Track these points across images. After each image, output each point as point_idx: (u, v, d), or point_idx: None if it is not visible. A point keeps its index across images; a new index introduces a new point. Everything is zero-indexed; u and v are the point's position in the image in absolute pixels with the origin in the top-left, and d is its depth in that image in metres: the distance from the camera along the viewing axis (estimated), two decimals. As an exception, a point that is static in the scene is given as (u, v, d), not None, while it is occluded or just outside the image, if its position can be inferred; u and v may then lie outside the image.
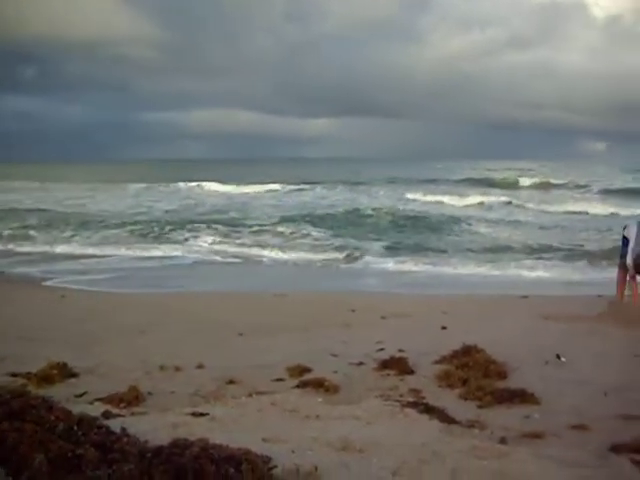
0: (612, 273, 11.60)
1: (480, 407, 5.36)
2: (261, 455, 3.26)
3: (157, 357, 6.98)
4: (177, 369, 6.56)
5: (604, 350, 7.57)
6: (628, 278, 9.85)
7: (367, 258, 18.30)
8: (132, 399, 5.39)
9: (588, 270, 16.64)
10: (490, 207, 32.40)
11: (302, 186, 47.28)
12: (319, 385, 5.68)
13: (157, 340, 8.16)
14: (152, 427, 4.15)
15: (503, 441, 4.47)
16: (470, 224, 25.64)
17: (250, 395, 5.50)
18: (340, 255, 19.00)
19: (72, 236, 22.54)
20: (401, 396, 5.49)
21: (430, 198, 36.52)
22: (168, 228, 23.95)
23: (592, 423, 4.96)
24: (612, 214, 28.06)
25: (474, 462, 3.89)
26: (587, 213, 29.82)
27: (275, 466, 3.29)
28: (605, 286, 12.14)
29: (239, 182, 49.15)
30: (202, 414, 4.76)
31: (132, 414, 4.94)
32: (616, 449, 4.29)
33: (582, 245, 20.34)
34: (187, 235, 22.75)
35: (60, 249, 20.09)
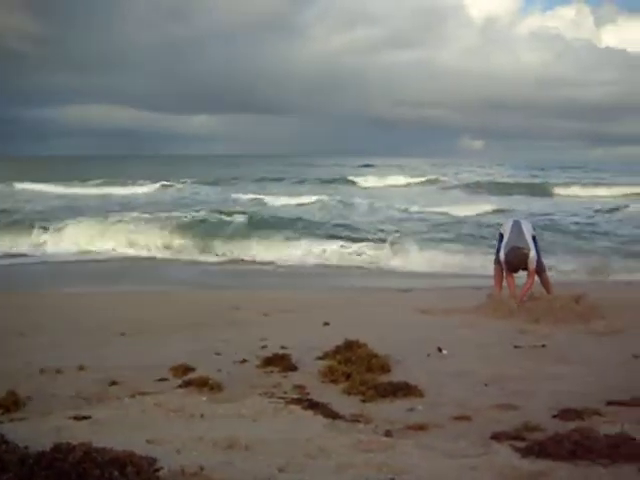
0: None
1: (364, 401, 5.46)
2: (146, 457, 3.23)
3: (37, 360, 6.77)
4: (58, 372, 6.38)
5: (484, 342, 7.84)
6: (505, 274, 10.19)
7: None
8: (10, 404, 5.20)
9: (465, 264, 17.17)
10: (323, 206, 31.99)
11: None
12: (203, 384, 5.64)
13: (36, 342, 7.91)
14: (33, 432, 4.05)
15: (388, 434, 4.56)
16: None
17: (133, 396, 5.42)
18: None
19: None
20: (285, 393, 5.54)
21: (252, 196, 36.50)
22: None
23: (474, 413, 5.13)
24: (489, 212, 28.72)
25: (360, 456, 3.97)
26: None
27: (161, 467, 3.27)
28: (482, 279, 12.58)
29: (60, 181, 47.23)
30: (84, 417, 4.68)
31: (11, 420, 4.79)
32: (497, 437, 4.44)
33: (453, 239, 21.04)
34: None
35: None
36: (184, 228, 21.69)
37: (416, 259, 17.53)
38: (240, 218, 23.27)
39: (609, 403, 5.31)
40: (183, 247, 19.89)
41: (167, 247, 19.98)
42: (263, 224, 22.69)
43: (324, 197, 33.99)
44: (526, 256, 9.88)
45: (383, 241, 19.07)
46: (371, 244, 19.09)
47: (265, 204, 32.85)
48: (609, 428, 4.42)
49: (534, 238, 10.25)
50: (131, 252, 19.48)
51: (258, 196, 35.95)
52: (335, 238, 20.24)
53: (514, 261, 9.92)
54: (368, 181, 50.23)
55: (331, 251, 18.50)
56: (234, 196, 37.15)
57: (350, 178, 52.06)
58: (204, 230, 21.68)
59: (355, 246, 19.03)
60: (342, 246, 19.12)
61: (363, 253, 18.34)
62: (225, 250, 19.48)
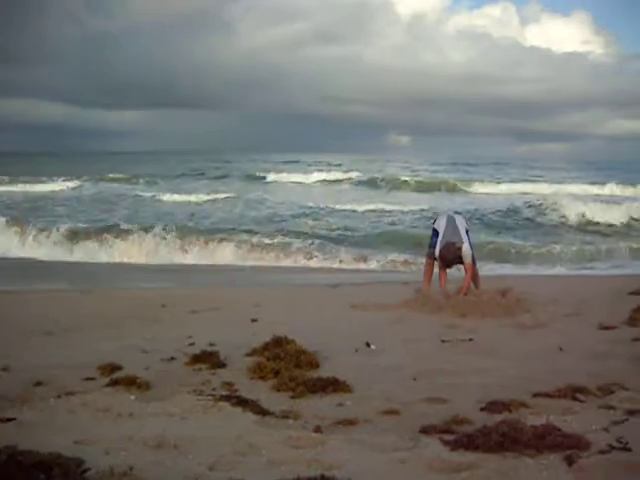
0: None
1: (293, 397, 5.48)
2: (73, 458, 3.20)
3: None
4: (-20, 372, 6.22)
5: (412, 337, 7.94)
6: (438, 269, 10.34)
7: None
8: None
9: (397, 259, 17.39)
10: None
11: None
12: (131, 383, 5.58)
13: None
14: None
15: (318, 430, 4.59)
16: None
17: (59, 396, 5.31)
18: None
19: None
20: (214, 390, 5.52)
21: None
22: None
23: (403, 407, 5.20)
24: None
25: (290, 452, 4.00)
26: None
27: (89, 469, 3.24)
28: (411, 274, 12.75)
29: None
30: (9, 419, 4.60)
31: None
32: (426, 431, 4.52)
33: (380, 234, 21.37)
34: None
35: None
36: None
37: (341, 256, 17.71)
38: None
39: (535, 395, 5.45)
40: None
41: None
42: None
43: (231, 194, 34.39)
44: (460, 250, 10.05)
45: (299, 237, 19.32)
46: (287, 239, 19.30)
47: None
48: (535, 419, 4.55)
49: (467, 232, 10.44)
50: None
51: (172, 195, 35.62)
52: (250, 234, 20.43)
53: (448, 256, 10.07)
54: (284, 178, 49.77)
55: (248, 248, 18.49)
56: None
57: (265, 175, 51.33)
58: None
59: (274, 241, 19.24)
60: (259, 241, 19.21)
61: (284, 249, 18.40)
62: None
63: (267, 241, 19.23)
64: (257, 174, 52.55)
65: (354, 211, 27.54)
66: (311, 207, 28.61)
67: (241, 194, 34.49)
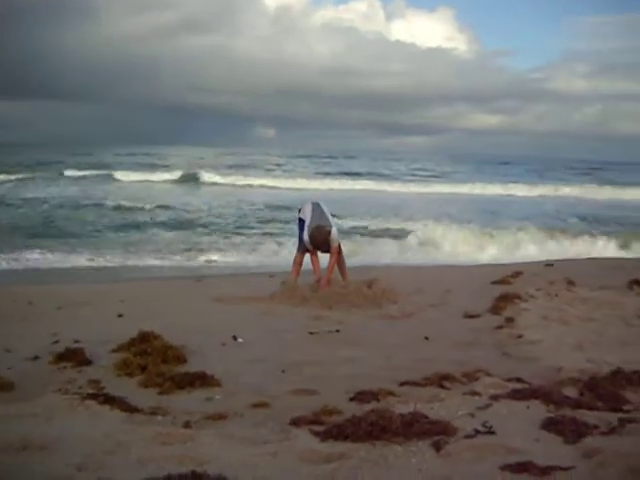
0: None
1: (161, 393, 5.49)
2: None
3: None
4: None
5: (279, 329, 8.05)
6: (310, 256, 10.46)
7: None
8: None
9: (259, 251, 17.46)
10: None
11: None
12: (-7, 383, 5.44)
13: None
14: None
15: (187, 425, 4.62)
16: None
17: None
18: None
19: None
20: (80, 388, 5.45)
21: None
22: None
23: (272, 400, 5.30)
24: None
25: (159, 449, 4.01)
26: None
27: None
28: (276, 267, 12.87)
29: None
30: None
31: None
32: (296, 423, 4.62)
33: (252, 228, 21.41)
34: None
35: None
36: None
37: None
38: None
39: (402, 384, 5.66)
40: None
41: None
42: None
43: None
44: (330, 234, 10.22)
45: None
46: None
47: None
48: (403, 407, 4.72)
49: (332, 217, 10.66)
50: None
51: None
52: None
53: (319, 238, 10.21)
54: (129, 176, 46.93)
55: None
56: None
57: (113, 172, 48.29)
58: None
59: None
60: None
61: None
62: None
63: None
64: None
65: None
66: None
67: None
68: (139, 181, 42.26)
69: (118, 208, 26.01)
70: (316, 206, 10.65)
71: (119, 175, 44.26)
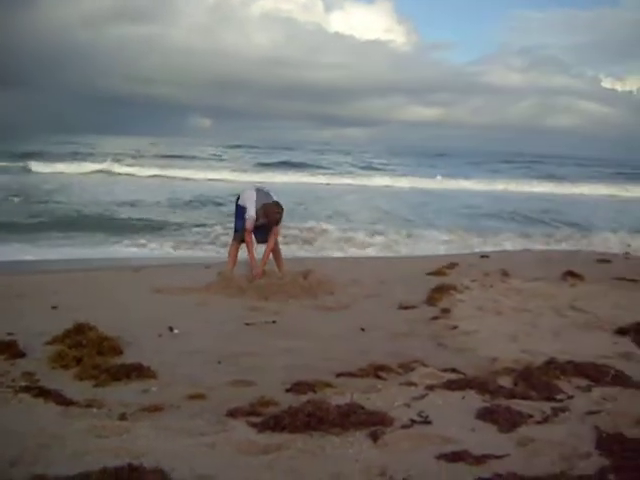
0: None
1: (97, 385, 5.44)
2: None
3: None
4: None
5: (216, 320, 8.05)
6: (247, 242, 10.45)
7: None
8: None
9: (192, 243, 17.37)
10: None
11: None
12: None
13: None
14: None
15: (123, 417, 4.59)
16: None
17: None
18: None
19: None
20: (13, 381, 5.35)
21: None
22: None
23: (208, 391, 5.29)
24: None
25: (95, 441, 3.98)
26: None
27: None
28: (211, 259, 12.81)
29: None
30: None
31: None
32: (233, 414, 4.62)
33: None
34: None
35: None
36: None
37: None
38: None
39: (339, 375, 5.71)
40: None
41: None
42: None
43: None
44: (282, 210, 10.30)
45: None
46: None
47: None
48: (340, 398, 4.76)
49: None
50: None
51: None
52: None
53: (273, 211, 10.31)
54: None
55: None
56: None
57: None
58: None
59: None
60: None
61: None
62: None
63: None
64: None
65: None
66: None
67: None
68: (56, 173, 40.10)
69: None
70: (259, 190, 10.65)
71: (36, 166, 41.81)
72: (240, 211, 10.57)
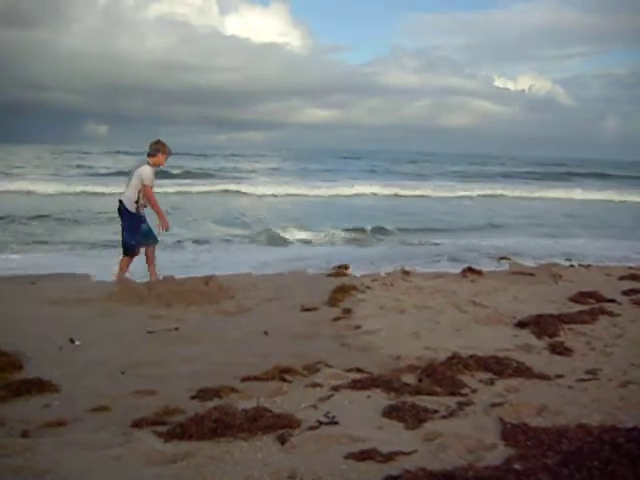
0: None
1: (-4, 403, 5.25)
2: None
3: None
4: None
5: (117, 329, 7.88)
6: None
7: None
8: None
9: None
10: None
11: None
12: None
13: None
14: None
15: (25, 434, 4.45)
16: None
17: None
18: None
19: None
20: None
21: None
22: None
23: (112, 403, 5.17)
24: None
25: (-4, 462, 3.83)
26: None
27: None
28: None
29: None
30: None
31: None
32: (138, 424, 4.54)
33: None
34: None
35: None
36: None
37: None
38: None
39: (244, 379, 5.67)
40: None
41: None
42: None
43: None
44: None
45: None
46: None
47: None
48: (246, 403, 4.74)
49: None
50: None
51: None
52: None
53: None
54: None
55: None
56: None
57: None
58: None
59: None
60: None
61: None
62: None
63: None
64: None
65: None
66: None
67: None
68: None
69: None
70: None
71: None
72: (131, 219, 10.64)
